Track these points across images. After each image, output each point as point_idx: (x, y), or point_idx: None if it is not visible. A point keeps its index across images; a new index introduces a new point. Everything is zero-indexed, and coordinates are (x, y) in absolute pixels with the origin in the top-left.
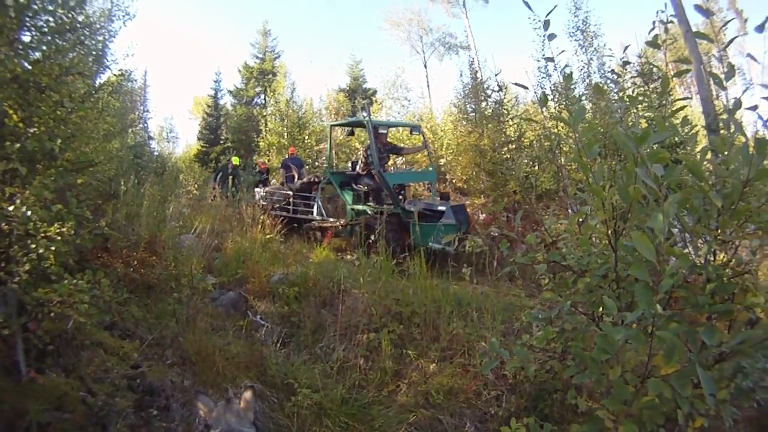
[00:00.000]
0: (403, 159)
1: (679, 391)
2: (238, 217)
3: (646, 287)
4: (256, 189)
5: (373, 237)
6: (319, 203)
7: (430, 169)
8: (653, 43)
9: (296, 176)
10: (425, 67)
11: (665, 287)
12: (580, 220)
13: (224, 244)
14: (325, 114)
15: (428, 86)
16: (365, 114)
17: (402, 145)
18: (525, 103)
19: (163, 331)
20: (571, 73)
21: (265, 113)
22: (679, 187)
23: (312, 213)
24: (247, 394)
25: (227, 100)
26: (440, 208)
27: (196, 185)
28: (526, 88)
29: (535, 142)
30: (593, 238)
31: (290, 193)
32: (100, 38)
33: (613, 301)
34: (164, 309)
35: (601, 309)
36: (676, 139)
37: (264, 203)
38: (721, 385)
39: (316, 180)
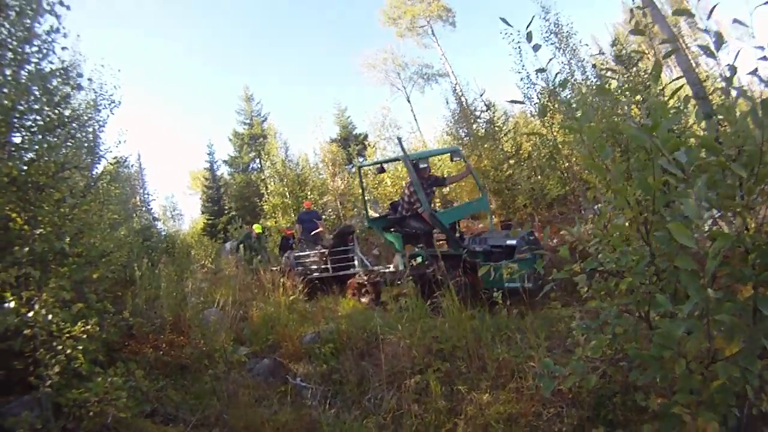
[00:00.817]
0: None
1: (749, 368)
2: (258, 284)
3: (692, 274)
4: (285, 255)
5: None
6: (360, 254)
7: (480, 196)
8: (637, 31)
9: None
10: (409, 101)
11: (711, 270)
12: (605, 222)
13: (249, 312)
14: (322, 167)
15: (415, 119)
16: (398, 147)
17: (442, 175)
18: (514, 117)
19: (205, 411)
20: (566, 78)
21: (263, 177)
22: (699, 169)
23: (354, 266)
24: None
25: (224, 170)
26: (510, 242)
27: (209, 259)
28: (522, 103)
29: (533, 152)
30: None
31: (324, 250)
32: (90, 129)
33: (664, 297)
34: (202, 388)
35: (647, 307)
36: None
37: (297, 268)
38: None
39: (350, 230)
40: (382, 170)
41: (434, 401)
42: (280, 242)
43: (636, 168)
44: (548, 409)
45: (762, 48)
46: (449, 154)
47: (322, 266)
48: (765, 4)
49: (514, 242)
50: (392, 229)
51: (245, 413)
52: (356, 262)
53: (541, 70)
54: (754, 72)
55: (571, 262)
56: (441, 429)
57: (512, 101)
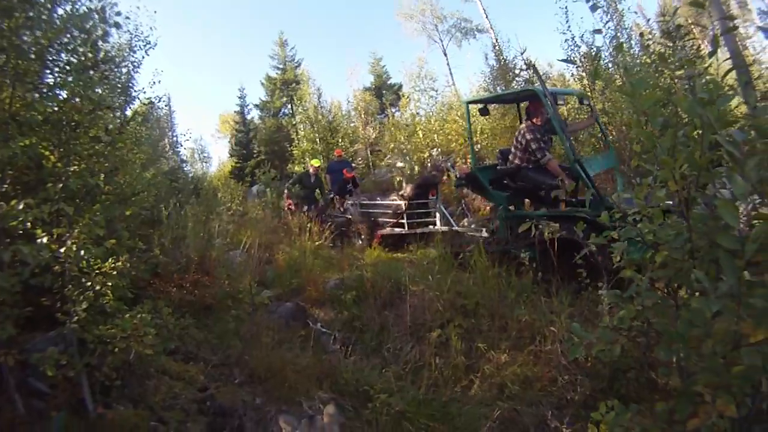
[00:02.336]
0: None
1: None
2: (285, 227)
3: (730, 254)
4: (347, 202)
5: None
6: (443, 209)
7: (609, 151)
8: (696, 3)
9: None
10: (445, 54)
11: (749, 253)
12: (647, 192)
13: (274, 256)
14: (354, 115)
15: (451, 74)
16: (532, 76)
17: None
18: (552, 78)
19: (227, 351)
20: (622, 43)
21: (294, 122)
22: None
23: (434, 224)
24: (330, 409)
25: (254, 114)
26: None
27: (237, 201)
28: (573, 63)
29: (569, 116)
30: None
31: (402, 203)
32: (125, 70)
33: (702, 273)
34: (225, 328)
35: (677, 283)
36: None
37: (365, 219)
38: None
39: (434, 180)
40: (486, 112)
41: (453, 356)
42: (338, 186)
43: (683, 143)
44: (564, 375)
45: None
46: (579, 98)
47: (397, 220)
48: None
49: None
50: (498, 186)
51: (266, 355)
52: (438, 220)
53: (598, 31)
54: None
55: (609, 228)
56: (457, 384)
57: (562, 60)
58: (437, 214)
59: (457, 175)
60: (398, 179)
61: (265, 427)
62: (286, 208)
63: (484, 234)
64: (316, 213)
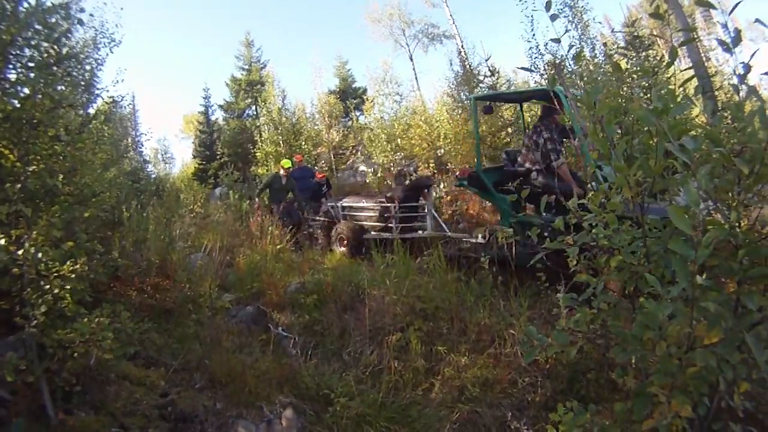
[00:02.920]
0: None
1: (727, 359)
2: (246, 231)
3: (683, 259)
4: (328, 205)
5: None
6: (435, 214)
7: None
8: (657, 15)
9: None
10: (411, 59)
11: (702, 258)
12: (602, 198)
13: (236, 259)
14: (318, 118)
15: (416, 79)
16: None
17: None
18: (516, 85)
19: (187, 356)
20: (581, 51)
21: (258, 124)
22: (704, 159)
23: (425, 228)
24: (288, 413)
25: (218, 115)
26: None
27: (199, 203)
28: (532, 70)
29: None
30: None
31: (390, 205)
32: (88, 68)
33: (654, 277)
34: (185, 332)
35: (633, 286)
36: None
37: (345, 223)
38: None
39: (428, 183)
40: (489, 110)
41: (413, 360)
42: (311, 191)
43: (639, 150)
44: (524, 377)
45: None
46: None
47: (385, 224)
48: None
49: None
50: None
51: (227, 359)
52: (429, 223)
53: (556, 40)
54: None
55: (564, 233)
56: (418, 387)
57: (521, 68)
58: (428, 219)
59: (457, 176)
60: (368, 180)
61: (226, 431)
62: (256, 218)
63: (480, 240)
64: (284, 211)
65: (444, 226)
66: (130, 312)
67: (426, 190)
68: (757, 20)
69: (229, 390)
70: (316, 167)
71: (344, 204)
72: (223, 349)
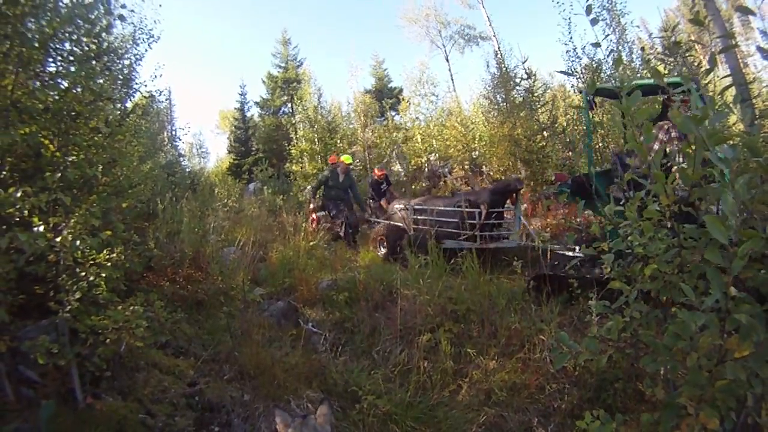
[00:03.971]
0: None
1: (758, 372)
2: (279, 226)
3: (718, 270)
4: (396, 206)
5: None
6: (524, 221)
7: None
8: (696, 21)
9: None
10: (447, 60)
11: (737, 269)
12: (638, 205)
13: (268, 254)
14: (353, 117)
15: (452, 79)
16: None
17: None
18: (552, 89)
19: (217, 347)
20: (621, 57)
21: (293, 121)
22: (744, 168)
23: (511, 237)
24: (323, 409)
25: (254, 112)
26: None
27: (233, 198)
28: (571, 74)
29: (568, 127)
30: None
31: (476, 210)
32: (127, 62)
33: (689, 287)
34: (216, 324)
35: (667, 296)
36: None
37: (419, 227)
38: None
39: (517, 186)
40: (592, 107)
41: (442, 361)
42: (371, 187)
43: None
44: (551, 384)
45: None
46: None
47: (469, 232)
48: None
49: None
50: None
51: (256, 352)
52: (515, 232)
53: (596, 44)
54: None
55: (600, 239)
56: (446, 388)
57: (560, 71)
58: (515, 227)
59: (555, 181)
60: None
61: (252, 423)
62: (310, 222)
63: (578, 253)
64: (346, 222)
65: (532, 232)
66: (162, 302)
67: (515, 194)
68: None
69: (257, 382)
70: (377, 165)
71: (417, 206)
72: (253, 342)
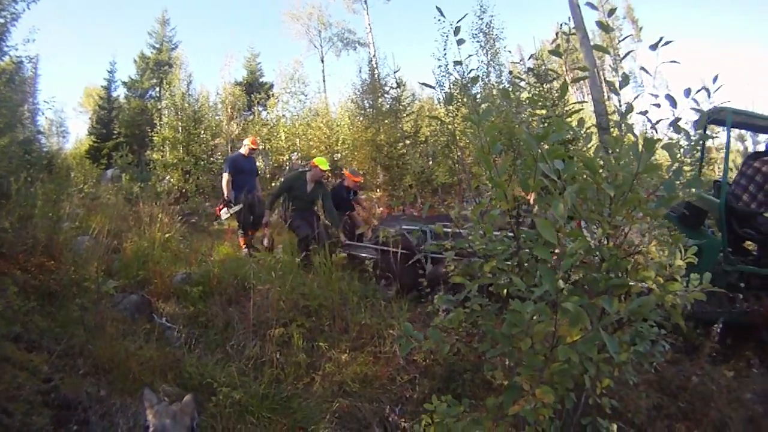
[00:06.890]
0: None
1: (587, 355)
2: (135, 216)
3: (548, 266)
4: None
5: None
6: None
7: None
8: (555, 52)
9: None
10: (322, 61)
11: (566, 266)
12: (482, 210)
13: (123, 245)
14: (220, 108)
15: (324, 81)
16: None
17: None
18: (421, 100)
19: (70, 340)
20: (478, 75)
21: (159, 106)
22: (574, 180)
23: None
24: (187, 400)
25: (121, 92)
26: None
27: (90, 183)
28: (433, 87)
29: (430, 137)
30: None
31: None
32: (1, 20)
33: (520, 279)
34: (69, 316)
35: (505, 291)
36: (569, 136)
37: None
38: (621, 350)
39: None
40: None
41: (295, 354)
42: (334, 194)
43: (521, 170)
44: (402, 375)
45: (655, 96)
46: None
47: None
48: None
49: None
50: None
51: (110, 346)
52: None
53: (458, 63)
54: (644, 113)
55: (443, 237)
56: (300, 381)
57: (423, 84)
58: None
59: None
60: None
61: (110, 419)
62: (266, 242)
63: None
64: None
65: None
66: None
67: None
68: (642, 68)
69: (112, 376)
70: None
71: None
72: (107, 335)
